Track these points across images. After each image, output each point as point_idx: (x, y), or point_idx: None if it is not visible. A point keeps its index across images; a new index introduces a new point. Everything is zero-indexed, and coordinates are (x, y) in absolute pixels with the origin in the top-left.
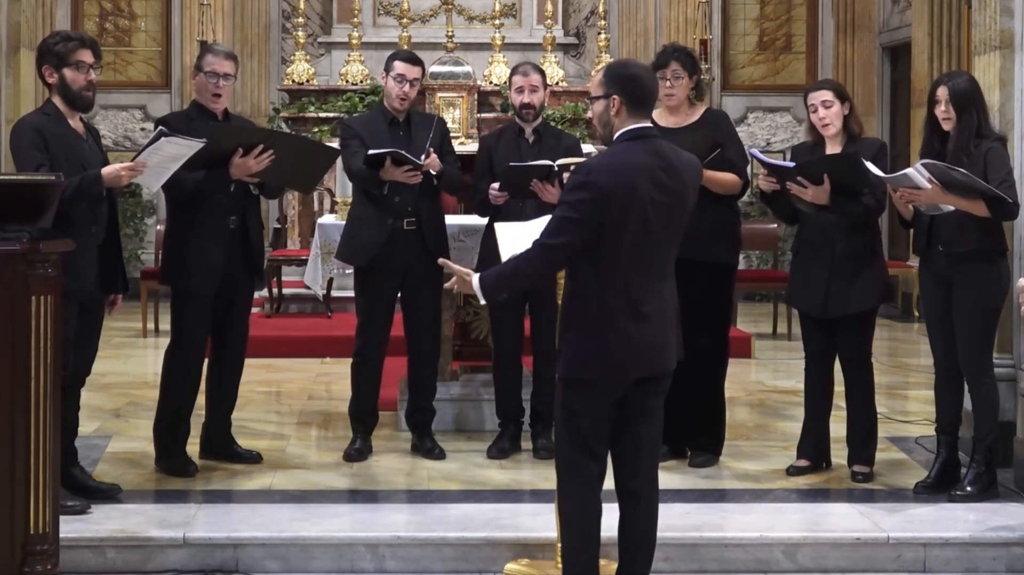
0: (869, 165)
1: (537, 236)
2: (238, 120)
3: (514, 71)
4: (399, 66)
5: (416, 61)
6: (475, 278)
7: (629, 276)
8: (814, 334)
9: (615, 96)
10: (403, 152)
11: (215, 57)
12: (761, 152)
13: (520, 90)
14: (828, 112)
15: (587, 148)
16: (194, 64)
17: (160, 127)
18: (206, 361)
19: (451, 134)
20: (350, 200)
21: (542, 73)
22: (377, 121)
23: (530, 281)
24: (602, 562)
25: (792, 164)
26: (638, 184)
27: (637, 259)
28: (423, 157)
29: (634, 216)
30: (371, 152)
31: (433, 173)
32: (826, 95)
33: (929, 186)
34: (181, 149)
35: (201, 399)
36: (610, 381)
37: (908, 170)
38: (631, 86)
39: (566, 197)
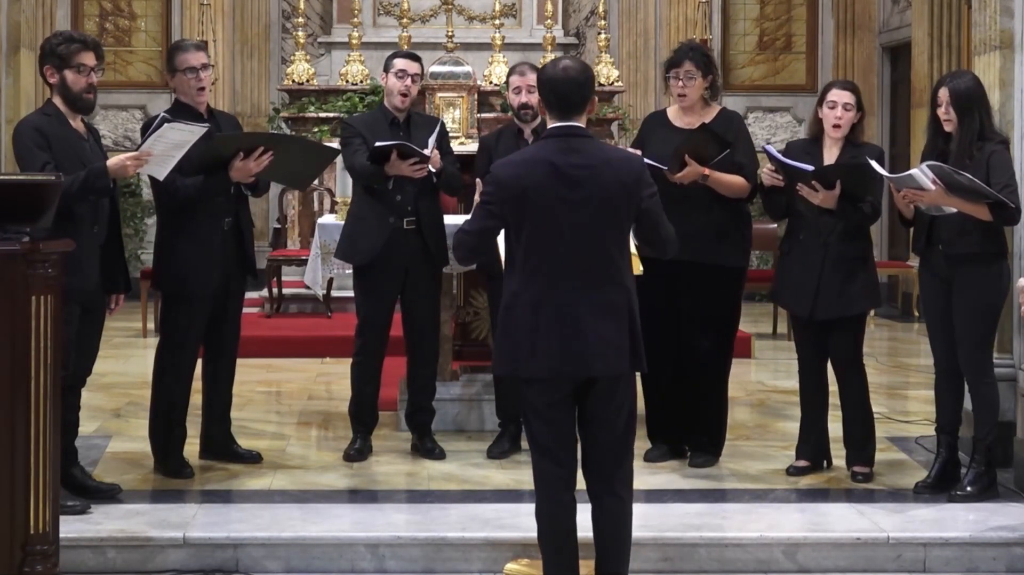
0: (874, 164)
1: None
2: (222, 117)
3: (511, 71)
4: (399, 62)
5: (416, 58)
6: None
7: (550, 272)
8: (805, 336)
9: (539, 97)
10: (409, 144)
11: (186, 53)
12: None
13: (518, 90)
14: (846, 115)
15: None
16: (166, 68)
17: (162, 114)
18: (199, 362)
19: (451, 134)
20: (350, 200)
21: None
22: (378, 121)
23: (464, 262)
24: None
25: (810, 168)
26: (533, 178)
27: (557, 256)
28: (427, 151)
29: (532, 209)
30: (378, 144)
31: (433, 170)
32: (850, 98)
33: (933, 187)
34: (184, 135)
35: (197, 399)
36: (535, 379)
37: (913, 171)
38: (544, 91)
39: (486, 179)
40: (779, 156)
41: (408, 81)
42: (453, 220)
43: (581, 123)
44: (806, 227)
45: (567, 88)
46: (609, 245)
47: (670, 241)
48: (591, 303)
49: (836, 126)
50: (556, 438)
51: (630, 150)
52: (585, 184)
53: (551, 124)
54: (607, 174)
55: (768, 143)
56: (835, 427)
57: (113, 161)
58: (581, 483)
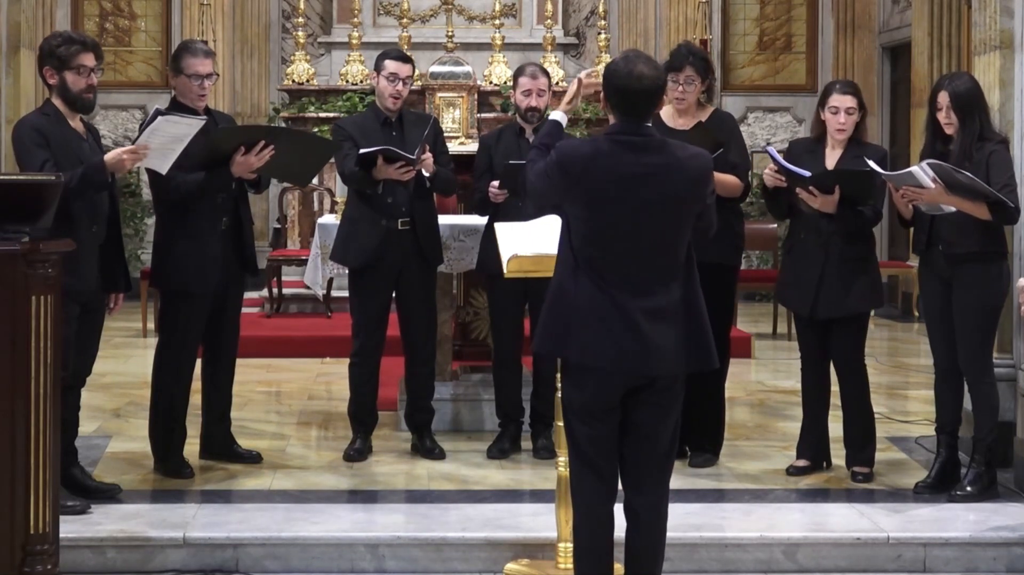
0: (872, 164)
1: (536, 238)
2: (220, 117)
3: (521, 72)
4: (390, 65)
5: (406, 59)
6: (555, 115)
7: (607, 270)
8: (808, 334)
9: (606, 97)
10: (394, 149)
11: (195, 58)
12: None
13: (527, 93)
14: (849, 119)
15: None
16: (170, 65)
17: (156, 107)
18: (198, 362)
19: (451, 134)
20: (345, 202)
21: (548, 76)
22: (370, 121)
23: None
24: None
25: (808, 174)
26: (597, 174)
27: (617, 255)
28: (417, 151)
29: (590, 205)
30: (362, 151)
31: (426, 174)
32: (852, 103)
33: (933, 186)
34: (181, 128)
35: (197, 399)
36: (582, 368)
37: (912, 168)
38: (614, 95)
39: (550, 156)
40: (779, 159)
41: (399, 85)
42: (453, 220)
43: (648, 123)
44: (807, 227)
45: (640, 98)
46: (673, 243)
47: (712, 227)
48: (650, 304)
49: (840, 130)
50: (599, 447)
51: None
52: (653, 184)
53: (619, 123)
54: (677, 173)
55: (768, 143)
56: (835, 427)
57: (110, 155)
58: None
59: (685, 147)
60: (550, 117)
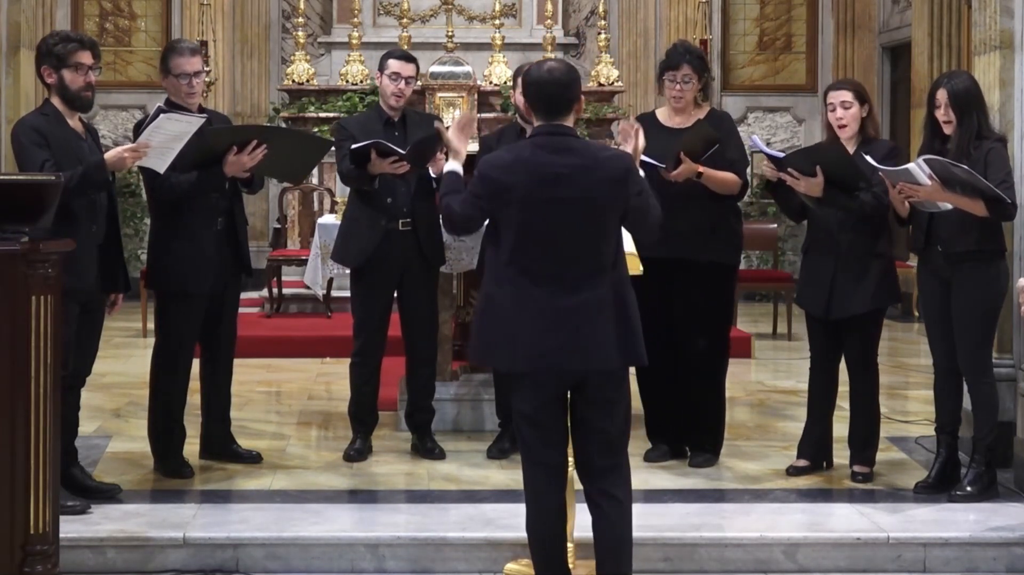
0: (868, 158)
1: None
2: (215, 117)
3: (520, 72)
4: (394, 64)
5: (410, 59)
6: (449, 166)
7: (534, 271)
8: (819, 334)
9: (524, 98)
10: (385, 143)
11: (181, 57)
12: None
13: None
14: (846, 113)
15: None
16: (159, 67)
17: (159, 106)
18: (196, 362)
19: None
20: (346, 201)
21: None
22: (372, 121)
23: (451, 233)
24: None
25: (781, 154)
26: (517, 178)
27: (543, 254)
28: (409, 148)
29: (516, 209)
30: (354, 147)
31: (434, 175)
32: (846, 96)
33: (929, 183)
34: (182, 126)
35: (197, 399)
36: (517, 375)
37: (909, 165)
38: (530, 93)
39: (473, 176)
40: (760, 144)
41: (402, 84)
42: None
43: (568, 123)
44: (818, 226)
45: (553, 90)
46: (597, 242)
47: (654, 230)
48: (577, 301)
49: (841, 126)
50: (545, 443)
51: (619, 148)
52: (571, 183)
53: (539, 124)
54: (594, 173)
55: (768, 144)
56: (838, 427)
57: (111, 154)
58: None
59: (606, 148)
60: (445, 169)
